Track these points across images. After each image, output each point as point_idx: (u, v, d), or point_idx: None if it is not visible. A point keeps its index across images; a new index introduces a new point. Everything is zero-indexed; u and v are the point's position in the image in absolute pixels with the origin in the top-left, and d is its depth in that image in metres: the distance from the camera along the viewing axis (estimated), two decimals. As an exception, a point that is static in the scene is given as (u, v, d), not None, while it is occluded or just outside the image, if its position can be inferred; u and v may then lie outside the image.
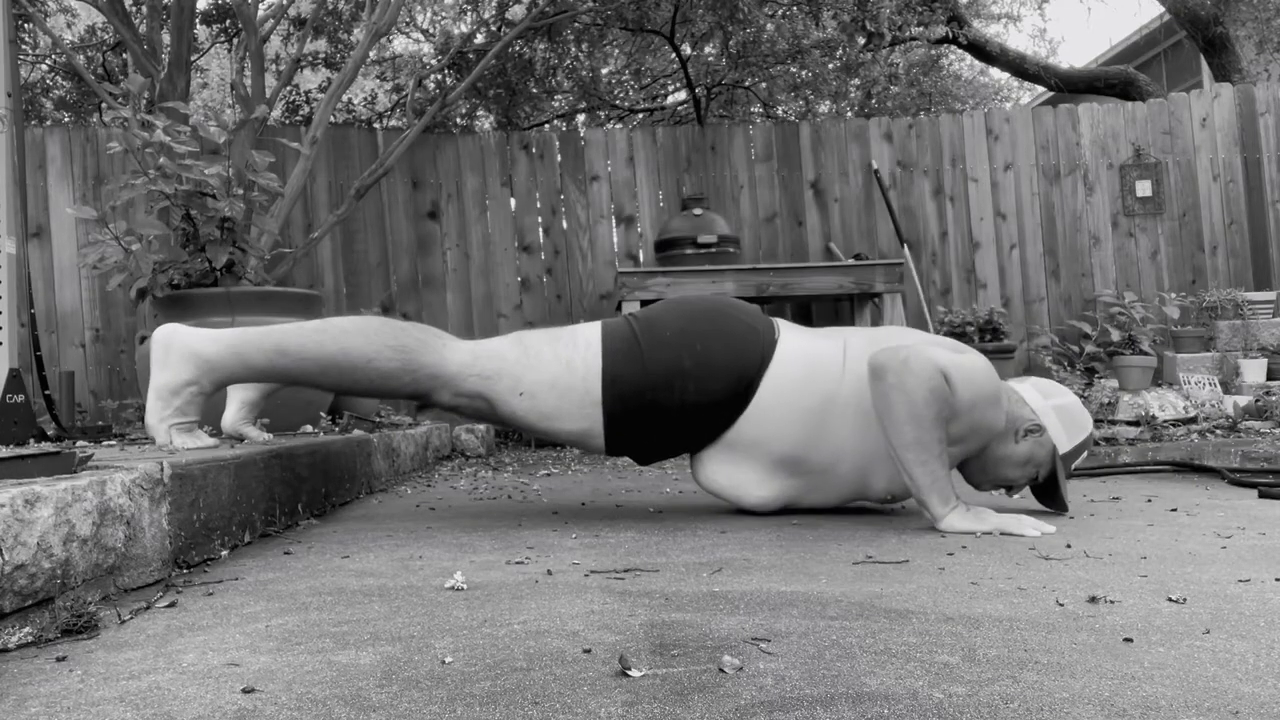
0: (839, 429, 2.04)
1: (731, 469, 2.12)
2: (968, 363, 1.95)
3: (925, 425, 1.88)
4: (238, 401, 2.36)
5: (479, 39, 7.60)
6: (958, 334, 5.54)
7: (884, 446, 2.03)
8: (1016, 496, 2.50)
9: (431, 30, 9.16)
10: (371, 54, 7.76)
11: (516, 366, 2.04)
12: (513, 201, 6.15)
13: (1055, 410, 2.12)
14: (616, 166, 6.20)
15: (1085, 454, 2.19)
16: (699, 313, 2.10)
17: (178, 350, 2.05)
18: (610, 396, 2.02)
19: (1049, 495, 2.19)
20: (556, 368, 2.04)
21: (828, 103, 9.97)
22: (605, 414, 2.03)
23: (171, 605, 1.35)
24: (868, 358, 2.00)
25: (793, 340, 2.11)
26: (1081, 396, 5.52)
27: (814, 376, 2.05)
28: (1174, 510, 2.17)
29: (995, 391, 1.98)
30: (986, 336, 5.56)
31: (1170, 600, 1.27)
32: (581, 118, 10.03)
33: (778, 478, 2.11)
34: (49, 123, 7.74)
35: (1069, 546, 1.70)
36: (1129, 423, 4.82)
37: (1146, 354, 5.53)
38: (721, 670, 0.99)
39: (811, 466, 2.09)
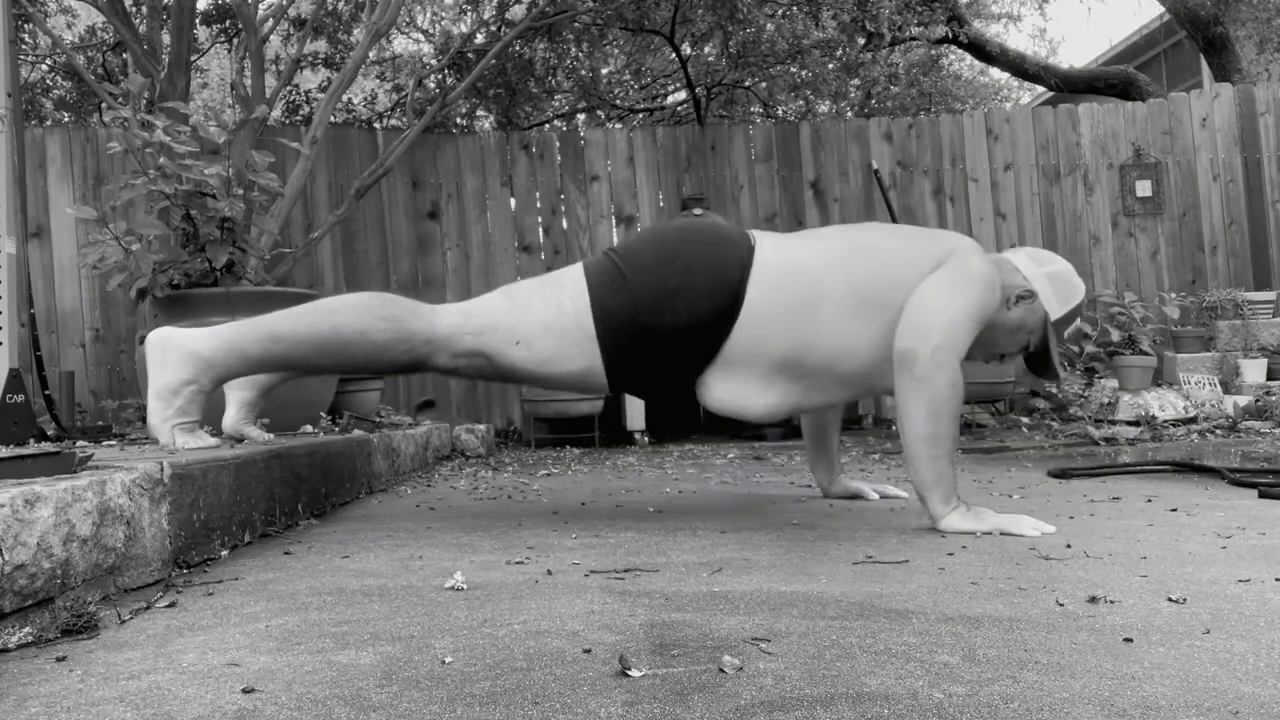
0: (832, 324, 2.02)
1: (733, 384, 2.10)
2: (973, 303, 1.97)
3: (942, 421, 1.90)
4: (236, 402, 2.36)
5: (479, 39, 7.60)
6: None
7: (882, 341, 2.03)
8: (1010, 495, 2.50)
9: (431, 30, 9.16)
10: (371, 54, 7.76)
11: (508, 318, 2.04)
12: (513, 201, 6.15)
13: (1048, 277, 2.13)
14: (616, 166, 6.20)
15: (1077, 321, 2.21)
16: (674, 234, 2.10)
17: (174, 351, 2.05)
18: (604, 329, 2.01)
19: (1041, 364, 2.20)
20: (547, 312, 2.04)
21: (828, 103, 9.97)
22: (602, 348, 2.03)
23: (171, 605, 1.35)
24: (896, 337, 1.99)
25: (770, 243, 2.11)
26: (1082, 397, 5.53)
27: (797, 273, 2.04)
28: (1174, 510, 2.17)
29: (993, 291, 2.02)
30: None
31: (1170, 600, 1.27)
32: (581, 118, 10.03)
33: (778, 383, 2.09)
34: (49, 123, 7.75)
35: (1069, 546, 1.70)
36: (1129, 423, 4.83)
37: (1146, 354, 5.53)
38: (721, 670, 0.99)
39: (810, 367, 2.06)
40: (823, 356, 2.05)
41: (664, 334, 2.02)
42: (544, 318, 2.03)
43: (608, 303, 2.01)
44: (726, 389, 2.10)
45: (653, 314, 2.01)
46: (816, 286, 2.03)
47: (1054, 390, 5.72)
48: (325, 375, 2.32)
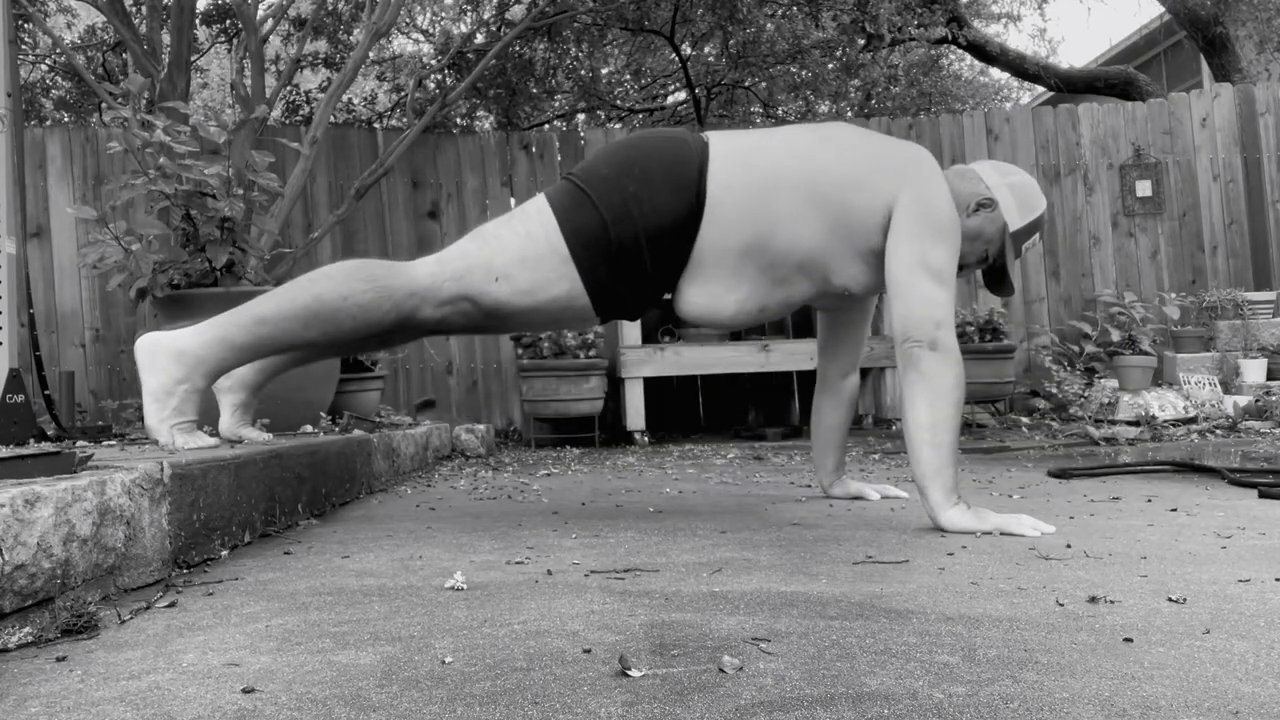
0: (790, 209, 2.04)
1: (703, 285, 2.11)
2: (948, 257, 2.01)
3: (944, 409, 1.94)
4: (229, 405, 2.36)
5: (479, 39, 7.60)
6: (958, 335, 5.53)
7: (835, 232, 2.05)
8: (1010, 495, 2.50)
9: (431, 30, 9.16)
10: (371, 54, 7.76)
11: (483, 256, 2.05)
12: (513, 201, 6.15)
13: (1009, 187, 2.15)
14: (616, 166, 6.20)
15: (1036, 236, 2.21)
16: (628, 144, 2.12)
17: (162, 353, 2.05)
18: (577, 247, 2.02)
19: (998, 279, 2.22)
20: (519, 243, 2.05)
21: (828, 103, 9.97)
22: (579, 268, 2.03)
23: (171, 605, 1.35)
24: (896, 332, 2.01)
25: (721, 138, 2.13)
26: (1082, 397, 5.53)
27: (752, 165, 2.06)
28: (1174, 510, 2.17)
29: (958, 230, 2.05)
30: (986, 336, 5.56)
31: (1170, 600, 1.27)
32: (581, 118, 10.03)
33: (745, 277, 2.09)
34: (49, 123, 7.75)
35: (1069, 546, 1.70)
36: (1129, 423, 4.83)
37: (1146, 354, 5.53)
38: (721, 670, 0.99)
39: (772, 255, 2.07)
40: (782, 243, 2.06)
41: (636, 242, 2.03)
42: (518, 249, 2.04)
43: (576, 222, 2.03)
44: (698, 292, 2.11)
45: (621, 224, 2.02)
46: (774, 173, 2.05)
47: (1054, 390, 5.72)
48: (318, 356, 2.31)
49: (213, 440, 2.10)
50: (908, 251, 2.00)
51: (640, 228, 2.02)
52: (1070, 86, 9.14)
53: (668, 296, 2.18)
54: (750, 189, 2.03)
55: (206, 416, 2.42)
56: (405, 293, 2.03)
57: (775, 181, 2.04)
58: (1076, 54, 33.87)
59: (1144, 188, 6.29)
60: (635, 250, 2.03)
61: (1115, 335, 5.66)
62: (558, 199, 2.07)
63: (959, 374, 1.97)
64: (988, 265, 2.23)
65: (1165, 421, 4.76)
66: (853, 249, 2.06)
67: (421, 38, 9.53)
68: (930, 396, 1.94)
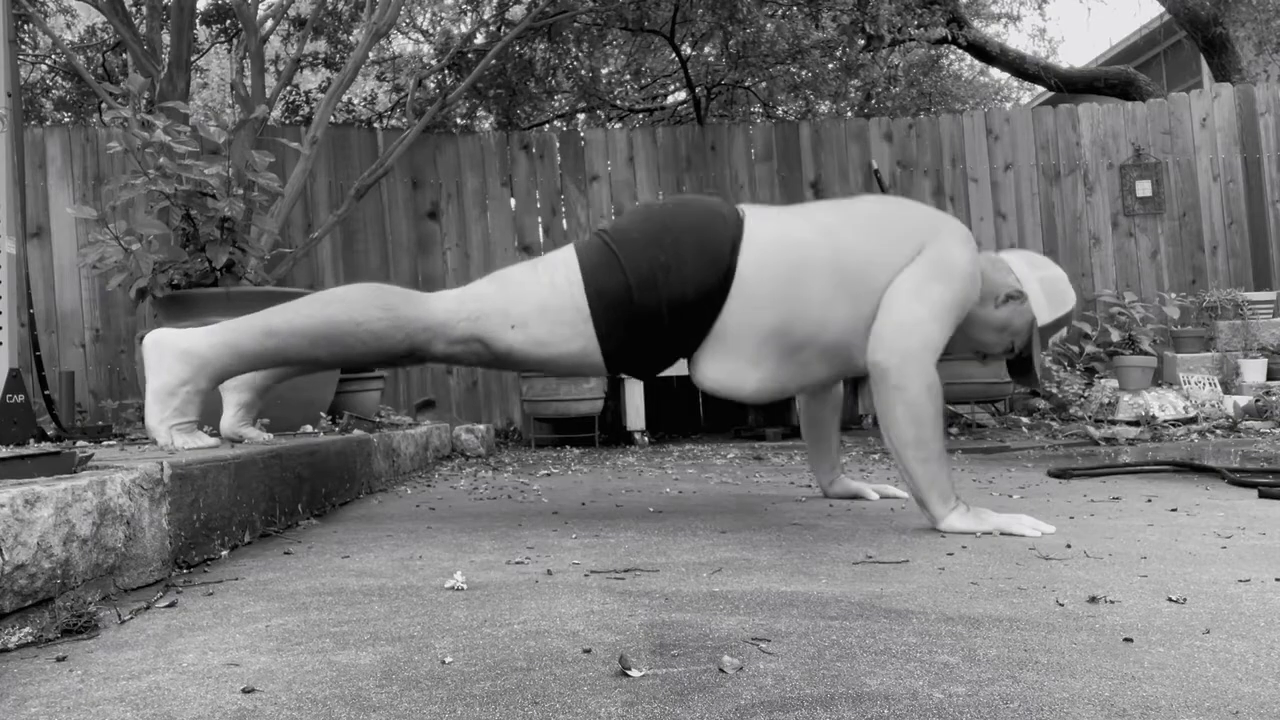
0: (818, 294, 2.02)
1: (724, 360, 2.10)
2: (950, 295, 1.97)
3: (925, 425, 1.89)
4: (233, 404, 2.36)
5: (479, 39, 7.60)
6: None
7: (859, 316, 2.03)
8: (1010, 495, 2.50)
9: (431, 30, 9.16)
10: (371, 54, 7.76)
11: (502, 300, 2.04)
12: (513, 201, 6.15)
13: (1039, 281, 2.13)
14: (616, 166, 6.20)
15: (1063, 331, 2.19)
16: (664, 210, 2.10)
17: (169, 351, 2.05)
18: (599, 308, 2.01)
19: (1023, 370, 2.20)
20: (542, 292, 2.03)
21: (828, 103, 9.97)
22: (598, 329, 2.02)
23: (171, 605, 1.35)
24: (869, 351, 1.99)
25: (759, 217, 2.11)
26: (1082, 397, 5.52)
27: (786, 247, 2.04)
28: (1174, 510, 2.17)
29: (974, 281, 2.02)
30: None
31: (1170, 600, 1.27)
32: (581, 118, 10.03)
33: (768, 357, 2.08)
34: (49, 123, 7.75)
35: (1069, 546, 1.70)
36: (1129, 423, 4.83)
37: (1146, 354, 5.53)
38: (721, 670, 0.99)
39: (798, 338, 2.06)
40: (808, 328, 2.04)
41: (658, 311, 2.02)
42: (539, 299, 2.03)
43: (601, 282, 2.01)
44: (719, 367, 2.10)
45: (646, 291, 2.01)
46: (804, 257, 2.03)
47: (1054, 390, 5.72)
48: (323, 371, 2.30)
49: (212, 440, 2.09)
50: (908, 281, 1.98)
51: (664, 297, 2.01)
52: (1070, 86, 9.14)
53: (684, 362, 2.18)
54: (782, 273, 2.02)
55: (208, 416, 2.42)
56: (419, 326, 2.02)
57: (807, 266, 2.02)
58: (1076, 54, 33.86)
59: (1144, 188, 6.29)
60: (657, 318, 2.03)
61: (1115, 335, 5.66)
62: (586, 255, 2.05)
63: (931, 383, 1.91)
64: (1014, 356, 2.20)
65: (1165, 421, 4.76)
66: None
67: (421, 38, 9.53)
68: (908, 410, 1.90)
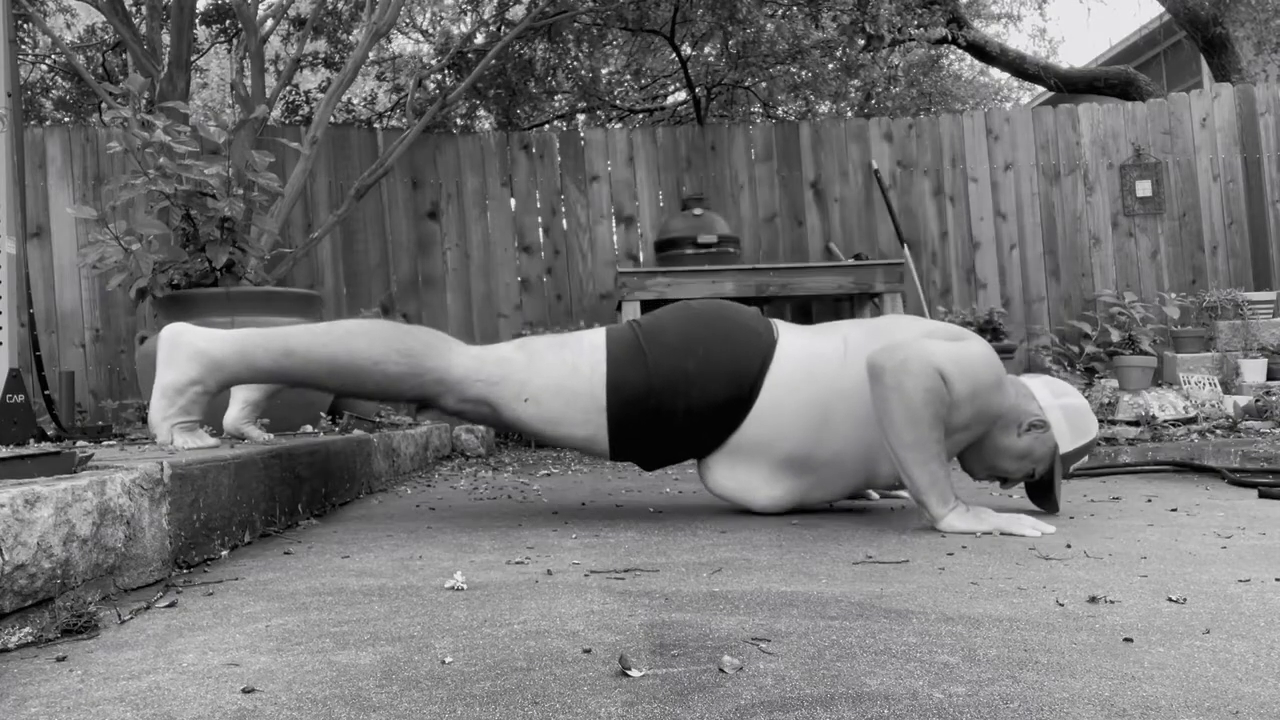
0: (843, 423, 2.04)
1: (738, 472, 2.11)
2: (967, 354, 1.94)
3: (923, 426, 1.88)
4: (241, 401, 2.37)
5: (479, 39, 7.60)
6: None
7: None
8: (1010, 494, 2.50)
9: (431, 30, 9.16)
10: (371, 54, 7.76)
11: (522, 372, 2.04)
12: (513, 201, 6.15)
13: (1062, 409, 2.11)
14: (616, 166, 6.20)
15: (1085, 458, 2.18)
16: (700, 317, 2.10)
17: (184, 349, 2.05)
18: (615, 402, 2.01)
19: (1043, 494, 2.18)
20: (562, 372, 2.03)
21: (828, 103, 9.97)
22: (610, 420, 2.03)
23: (171, 605, 1.35)
24: (865, 355, 2.00)
25: (791, 339, 2.11)
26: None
27: (814, 374, 2.05)
28: (1174, 510, 2.17)
29: (996, 378, 1.98)
30: (987, 336, 5.56)
31: (1170, 600, 1.27)
32: (581, 118, 10.03)
33: (785, 477, 2.10)
34: (49, 123, 7.75)
35: (1069, 546, 1.70)
36: (1129, 423, 4.82)
37: (1146, 354, 5.53)
38: (721, 670, 0.99)
39: (817, 463, 2.08)
40: (831, 452, 2.06)
41: (674, 416, 2.03)
42: (557, 379, 2.03)
43: (623, 377, 2.02)
44: (730, 476, 2.12)
45: (666, 395, 2.02)
46: (832, 384, 2.03)
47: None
48: (325, 394, 2.32)
49: (213, 440, 2.10)
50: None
51: (684, 407, 2.02)
52: (1070, 86, 9.14)
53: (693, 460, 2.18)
54: (806, 400, 2.02)
55: (211, 416, 2.43)
56: (435, 378, 2.02)
57: (835, 391, 2.02)
58: (1076, 54, 33.86)
59: (1144, 188, 6.28)
60: (672, 424, 2.04)
61: (1115, 335, 5.66)
62: (615, 345, 2.06)
63: (927, 384, 1.87)
64: (1034, 481, 2.18)
65: (1165, 421, 4.76)
66: None
67: (421, 38, 9.53)
68: (904, 411, 1.87)
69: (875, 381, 1.93)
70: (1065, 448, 2.10)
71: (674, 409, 2.02)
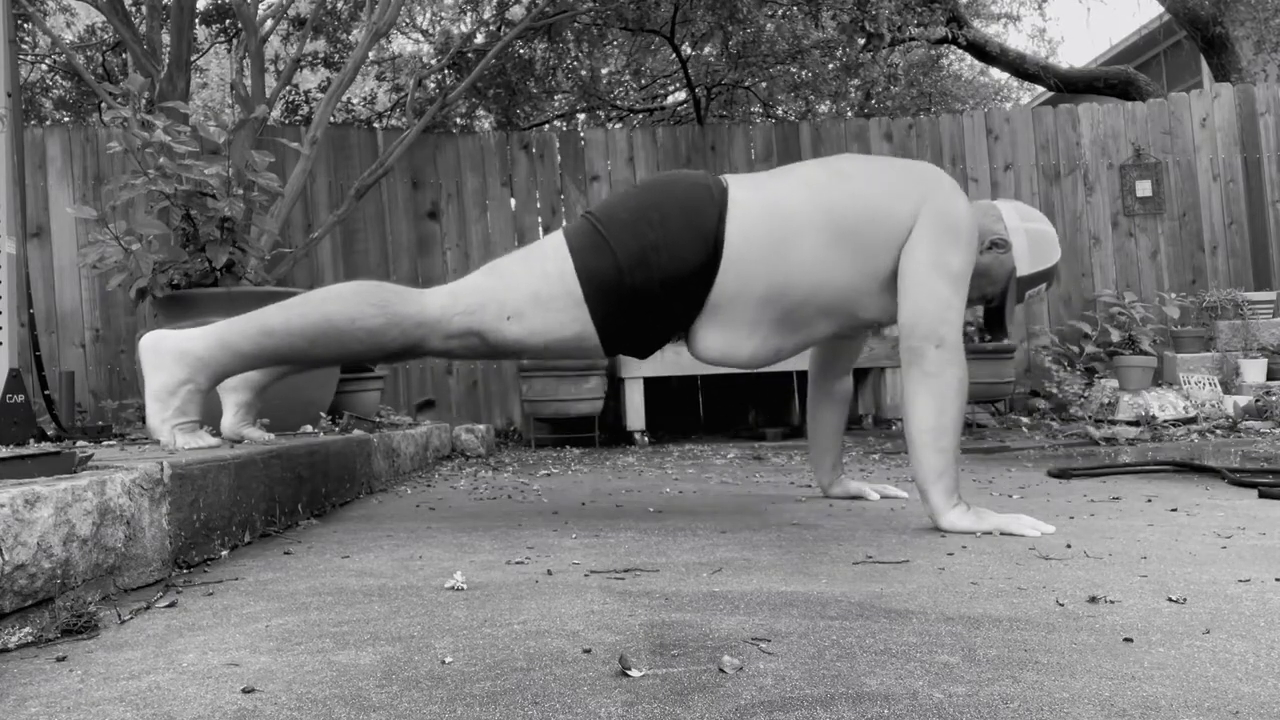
0: (811, 254, 2.02)
1: (720, 330, 2.10)
2: (961, 269, 1.99)
3: (948, 413, 1.92)
4: (233, 405, 2.36)
5: (479, 39, 7.60)
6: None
7: (860, 270, 2.03)
8: (1010, 495, 2.50)
9: (431, 30, 9.16)
10: (371, 54, 7.76)
11: (496, 292, 2.04)
12: (513, 201, 6.15)
13: (1026, 233, 2.13)
14: (616, 166, 6.20)
15: (1043, 286, 2.19)
16: (650, 188, 2.10)
17: (167, 352, 2.05)
18: (591, 292, 2.01)
19: (996, 322, 2.21)
20: (534, 281, 2.03)
21: (828, 103, 9.97)
22: (592, 312, 2.03)
23: (171, 605, 1.35)
24: (902, 336, 2.00)
25: (743, 184, 2.11)
26: (1082, 397, 5.52)
27: (774, 209, 2.04)
28: (1174, 510, 2.17)
29: (974, 243, 2.04)
30: (986, 336, 5.56)
31: (1170, 600, 1.27)
32: (581, 118, 10.03)
33: (763, 322, 2.08)
34: (49, 123, 7.75)
35: (1069, 546, 1.70)
36: (1129, 423, 4.83)
37: (1147, 354, 5.53)
38: (721, 670, 0.99)
39: (792, 300, 2.06)
40: (804, 289, 2.04)
41: (650, 289, 2.02)
42: (532, 288, 2.03)
43: (591, 265, 2.01)
44: (715, 336, 2.10)
45: (637, 271, 2.01)
46: (793, 218, 2.02)
47: (1054, 390, 5.72)
48: (321, 369, 2.31)
49: (213, 440, 2.10)
50: (924, 252, 1.98)
51: (657, 277, 2.01)
52: (1070, 86, 9.14)
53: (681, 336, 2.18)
54: (770, 238, 2.02)
55: (208, 418, 2.42)
56: (414, 322, 2.02)
57: (796, 228, 2.01)
58: (1076, 54, 33.88)
59: (1144, 188, 6.29)
60: (650, 297, 2.03)
61: (1115, 335, 5.66)
62: (575, 240, 2.05)
63: (963, 375, 1.95)
64: (988, 305, 2.21)
65: (1165, 421, 4.76)
66: (879, 282, 2.04)
67: (421, 38, 9.53)
68: (935, 398, 1.92)
69: (913, 365, 1.95)
70: (1022, 271, 2.12)
71: (648, 283, 2.01)
